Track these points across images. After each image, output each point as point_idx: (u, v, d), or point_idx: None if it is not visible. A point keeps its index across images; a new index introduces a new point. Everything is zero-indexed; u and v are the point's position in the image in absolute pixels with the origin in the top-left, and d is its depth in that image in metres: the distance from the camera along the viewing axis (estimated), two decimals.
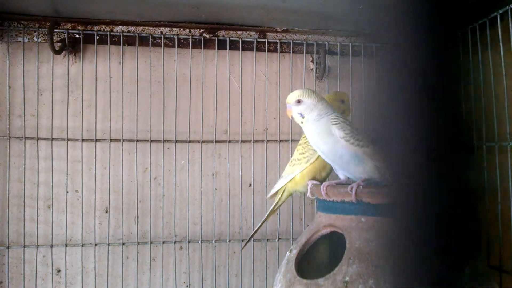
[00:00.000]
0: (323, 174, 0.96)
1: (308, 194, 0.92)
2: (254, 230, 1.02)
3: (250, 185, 1.21)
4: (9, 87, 1.10)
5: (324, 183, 0.87)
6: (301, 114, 0.87)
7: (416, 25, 0.32)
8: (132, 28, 1.15)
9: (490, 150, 1.01)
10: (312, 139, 0.88)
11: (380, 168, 0.84)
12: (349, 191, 0.80)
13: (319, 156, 0.92)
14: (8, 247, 1.07)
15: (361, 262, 0.72)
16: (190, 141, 1.17)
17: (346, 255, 0.74)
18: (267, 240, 1.19)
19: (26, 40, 1.11)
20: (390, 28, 0.33)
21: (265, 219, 1.02)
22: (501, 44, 0.94)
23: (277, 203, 1.01)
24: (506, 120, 0.96)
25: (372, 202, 0.77)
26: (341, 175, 0.90)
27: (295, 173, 0.96)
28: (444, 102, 0.32)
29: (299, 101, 0.87)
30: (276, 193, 1.01)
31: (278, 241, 1.19)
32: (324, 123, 0.86)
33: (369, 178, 0.85)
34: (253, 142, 1.21)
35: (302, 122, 0.88)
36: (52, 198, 1.10)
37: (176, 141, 1.17)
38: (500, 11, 0.94)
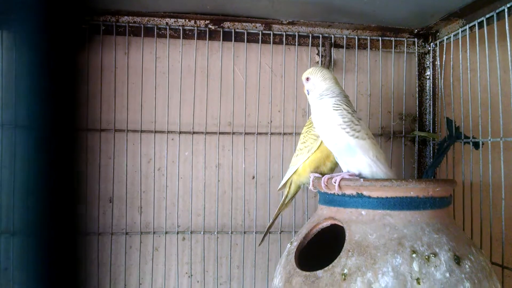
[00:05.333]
0: (328, 164, 0.94)
1: (310, 187, 0.91)
2: (268, 226, 1.04)
3: (253, 177, 1.21)
4: (16, 77, 1.10)
5: (325, 176, 0.87)
6: (307, 91, 0.93)
7: (36, 13, 0.32)
8: (137, 19, 1.15)
9: (495, 146, 1.00)
10: (315, 120, 0.90)
11: (372, 166, 0.84)
12: (332, 183, 0.80)
13: (320, 145, 0.91)
14: (12, 235, 1.08)
15: (360, 255, 0.72)
16: (194, 133, 1.18)
17: (345, 248, 0.74)
18: (270, 232, 1.20)
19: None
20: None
21: (277, 214, 1.03)
22: (508, 39, 0.93)
23: (286, 196, 1.01)
24: (511, 115, 0.95)
25: (372, 196, 0.76)
26: (342, 166, 0.90)
27: (298, 164, 0.95)
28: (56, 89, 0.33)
29: (307, 79, 0.92)
30: (284, 186, 1.01)
31: (280, 233, 1.20)
32: (326, 105, 0.86)
33: (359, 174, 0.84)
34: (257, 135, 1.21)
35: (308, 98, 0.93)
36: None
37: (180, 132, 1.17)
38: (508, 5, 0.93)
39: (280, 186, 1.02)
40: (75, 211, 0.34)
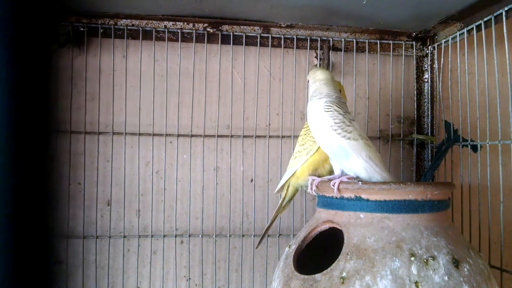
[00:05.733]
0: (327, 166, 0.93)
1: (308, 190, 0.91)
2: (266, 228, 1.03)
3: (251, 180, 1.21)
4: None
5: (317, 178, 0.87)
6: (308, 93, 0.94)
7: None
8: (136, 22, 1.15)
9: (493, 149, 1.00)
10: (308, 120, 0.90)
11: (367, 167, 0.83)
12: (331, 186, 0.80)
13: (319, 147, 0.91)
14: None
15: (358, 258, 0.71)
16: (192, 136, 1.18)
17: (343, 251, 0.74)
18: (268, 235, 1.19)
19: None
20: None
21: (274, 217, 1.02)
22: (506, 42, 0.93)
23: (283, 198, 1.00)
24: (510, 118, 0.95)
25: (371, 199, 0.76)
26: (336, 168, 0.90)
27: (296, 167, 0.95)
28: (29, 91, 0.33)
29: (308, 81, 0.94)
30: (282, 189, 1.01)
31: (278, 237, 1.19)
32: (317, 106, 0.85)
33: (356, 177, 0.84)
34: (255, 138, 1.21)
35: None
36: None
37: (179, 135, 1.17)
38: (506, 8, 0.93)
39: (277, 189, 1.01)
40: (42, 213, 0.34)
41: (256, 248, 1.10)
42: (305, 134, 0.96)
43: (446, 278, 0.69)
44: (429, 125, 1.26)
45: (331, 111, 0.84)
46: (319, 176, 0.92)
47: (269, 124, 1.22)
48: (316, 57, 1.24)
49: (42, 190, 0.35)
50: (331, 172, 0.94)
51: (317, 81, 0.89)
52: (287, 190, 0.99)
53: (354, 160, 0.83)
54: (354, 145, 0.83)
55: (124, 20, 1.15)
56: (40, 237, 0.35)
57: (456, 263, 0.71)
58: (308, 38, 1.21)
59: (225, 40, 1.19)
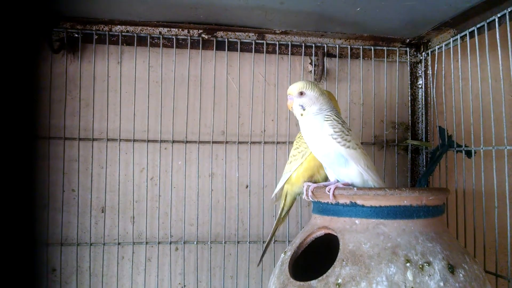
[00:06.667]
0: (322, 172, 0.93)
1: (304, 196, 0.91)
2: (267, 243, 1.03)
3: (247, 186, 1.21)
4: None
5: (312, 185, 0.87)
6: (302, 106, 0.86)
7: None
8: (130, 28, 1.15)
9: (487, 154, 1.00)
10: (305, 133, 0.87)
11: (363, 174, 0.84)
12: (326, 192, 0.80)
13: None
14: None
15: (354, 264, 0.71)
16: (187, 142, 1.17)
17: (339, 257, 0.74)
18: (263, 242, 1.19)
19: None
20: None
21: (274, 230, 1.02)
22: (499, 48, 0.94)
23: (282, 209, 1.00)
24: (503, 124, 0.95)
25: (366, 205, 0.76)
26: (330, 176, 0.90)
27: (292, 170, 0.95)
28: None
29: (301, 93, 0.86)
30: (280, 199, 1.00)
31: (274, 243, 1.19)
32: (319, 118, 0.85)
33: (351, 184, 0.84)
34: (250, 144, 1.21)
35: (302, 115, 0.86)
36: (48, 197, 1.10)
37: (173, 142, 1.16)
38: (499, 14, 0.94)
39: (273, 195, 1.01)
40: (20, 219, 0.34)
41: (258, 265, 1.10)
42: (298, 137, 0.96)
43: (441, 284, 0.69)
44: (424, 131, 1.26)
45: (331, 120, 0.84)
46: (314, 183, 0.92)
47: (264, 130, 1.22)
48: (311, 63, 1.24)
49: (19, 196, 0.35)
50: (326, 179, 0.94)
51: (323, 93, 0.88)
52: (285, 200, 0.99)
53: (352, 168, 0.84)
54: (353, 153, 0.83)
55: (118, 26, 1.15)
56: (17, 243, 0.34)
57: (451, 269, 0.71)
58: (303, 44, 1.22)
59: (220, 46, 1.19)
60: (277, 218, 1.02)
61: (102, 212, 1.14)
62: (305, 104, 0.86)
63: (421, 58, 1.28)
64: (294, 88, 0.87)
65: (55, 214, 1.11)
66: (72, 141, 1.12)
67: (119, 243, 1.14)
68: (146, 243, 1.15)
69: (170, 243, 1.16)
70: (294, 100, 0.87)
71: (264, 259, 1.18)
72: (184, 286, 1.17)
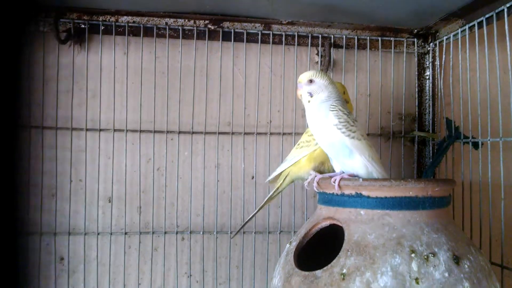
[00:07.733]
0: (330, 165, 0.93)
1: (305, 185, 0.91)
2: (249, 218, 1.02)
3: (252, 177, 1.21)
4: None
5: (318, 175, 0.87)
6: (310, 93, 0.87)
7: None
8: (137, 19, 1.15)
9: (494, 146, 1.00)
10: (311, 121, 0.88)
11: (368, 166, 0.84)
12: (332, 183, 0.80)
13: None
14: None
15: (358, 254, 0.72)
16: (193, 133, 1.18)
17: (344, 248, 0.74)
18: (269, 232, 1.20)
19: (32, 30, 1.11)
20: None
21: (262, 206, 1.00)
22: (507, 39, 0.93)
23: (277, 188, 0.99)
24: (511, 115, 0.95)
25: (371, 196, 0.76)
26: (336, 167, 0.90)
27: (302, 155, 0.94)
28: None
29: (311, 81, 0.87)
30: (277, 179, 1.00)
31: (279, 233, 1.20)
32: (325, 107, 0.85)
33: (356, 175, 0.84)
34: (256, 135, 1.21)
35: (309, 101, 0.87)
36: (56, 187, 1.11)
37: (180, 132, 1.17)
38: (508, 5, 0.93)
39: (271, 177, 0.99)
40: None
41: (232, 238, 1.11)
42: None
43: (446, 274, 0.69)
44: (431, 122, 1.26)
45: (336, 110, 0.84)
46: (320, 172, 0.92)
47: (270, 121, 1.22)
48: (317, 54, 1.23)
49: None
50: (332, 171, 0.94)
51: (332, 82, 0.88)
52: (283, 180, 0.98)
53: (356, 159, 0.84)
54: (357, 144, 0.83)
55: (125, 17, 1.15)
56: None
57: (456, 260, 0.71)
58: (310, 35, 1.21)
59: (226, 37, 1.19)
60: (268, 197, 1.00)
61: (109, 202, 1.15)
62: (313, 91, 0.87)
63: (428, 49, 1.27)
64: (304, 76, 0.88)
65: (63, 204, 1.12)
66: (79, 131, 1.13)
67: (126, 233, 1.15)
68: (153, 233, 1.16)
69: (177, 233, 1.17)
70: (303, 87, 0.88)
71: (269, 249, 1.19)
72: (190, 275, 1.18)
